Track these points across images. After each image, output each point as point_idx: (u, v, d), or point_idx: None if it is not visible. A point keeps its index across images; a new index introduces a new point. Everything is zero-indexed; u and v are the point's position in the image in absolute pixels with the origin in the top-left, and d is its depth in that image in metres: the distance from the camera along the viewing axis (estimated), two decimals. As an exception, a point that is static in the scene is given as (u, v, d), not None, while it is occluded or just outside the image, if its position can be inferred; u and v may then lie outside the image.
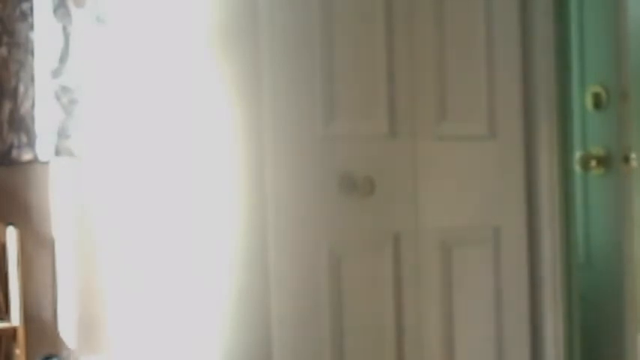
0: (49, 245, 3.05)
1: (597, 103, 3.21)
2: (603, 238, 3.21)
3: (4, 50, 3.33)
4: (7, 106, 3.32)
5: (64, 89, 2.96)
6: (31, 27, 3.14)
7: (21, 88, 3.22)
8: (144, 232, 2.62)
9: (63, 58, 2.97)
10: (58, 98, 2.99)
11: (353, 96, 2.65)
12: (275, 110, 2.50)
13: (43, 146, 3.08)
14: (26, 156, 3.20)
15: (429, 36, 2.80)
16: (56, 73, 3.00)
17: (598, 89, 3.19)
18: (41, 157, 3.11)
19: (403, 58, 2.74)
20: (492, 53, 2.93)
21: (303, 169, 2.56)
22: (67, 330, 2.98)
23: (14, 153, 3.28)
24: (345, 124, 2.64)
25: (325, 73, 2.60)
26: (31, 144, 3.16)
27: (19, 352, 3.08)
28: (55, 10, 3.01)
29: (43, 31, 3.08)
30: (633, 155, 3.13)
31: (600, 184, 3.21)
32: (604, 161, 3.18)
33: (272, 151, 2.49)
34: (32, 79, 3.15)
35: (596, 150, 3.21)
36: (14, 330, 3.08)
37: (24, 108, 3.20)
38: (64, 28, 2.96)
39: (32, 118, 3.15)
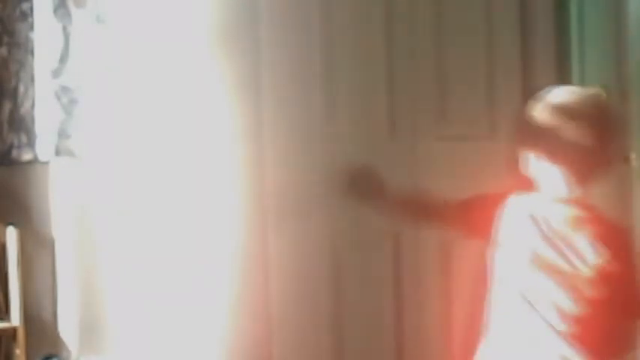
0: (49, 245, 3.04)
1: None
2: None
3: (4, 50, 3.33)
4: (7, 106, 3.31)
5: (64, 89, 2.96)
6: (31, 27, 3.14)
7: (21, 88, 3.22)
8: (144, 232, 2.62)
9: (63, 58, 2.97)
10: (58, 98, 2.99)
11: (353, 96, 2.65)
12: (275, 110, 2.50)
13: (43, 146, 3.08)
14: (26, 156, 3.20)
15: (429, 36, 2.80)
16: (56, 73, 3.00)
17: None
18: (41, 157, 3.11)
19: (403, 58, 2.74)
20: (492, 53, 2.93)
21: (304, 169, 2.56)
22: (67, 330, 2.98)
23: (14, 153, 3.28)
24: (345, 124, 2.64)
25: (325, 73, 2.60)
26: (31, 144, 3.16)
27: (19, 352, 3.08)
28: (55, 10, 3.01)
29: (43, 31, 3.07)
30: (633, 155, 3.12)
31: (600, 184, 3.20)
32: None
33: (272, 151, 2.49)
34: (32, 79, 3.14)
35: (596, 150, 3.20)
36: (14, 330, 3.08)
37: (24, 108, 3.20)
38: (64, 28, 2.96)
39: (32, 118, 3.15)
